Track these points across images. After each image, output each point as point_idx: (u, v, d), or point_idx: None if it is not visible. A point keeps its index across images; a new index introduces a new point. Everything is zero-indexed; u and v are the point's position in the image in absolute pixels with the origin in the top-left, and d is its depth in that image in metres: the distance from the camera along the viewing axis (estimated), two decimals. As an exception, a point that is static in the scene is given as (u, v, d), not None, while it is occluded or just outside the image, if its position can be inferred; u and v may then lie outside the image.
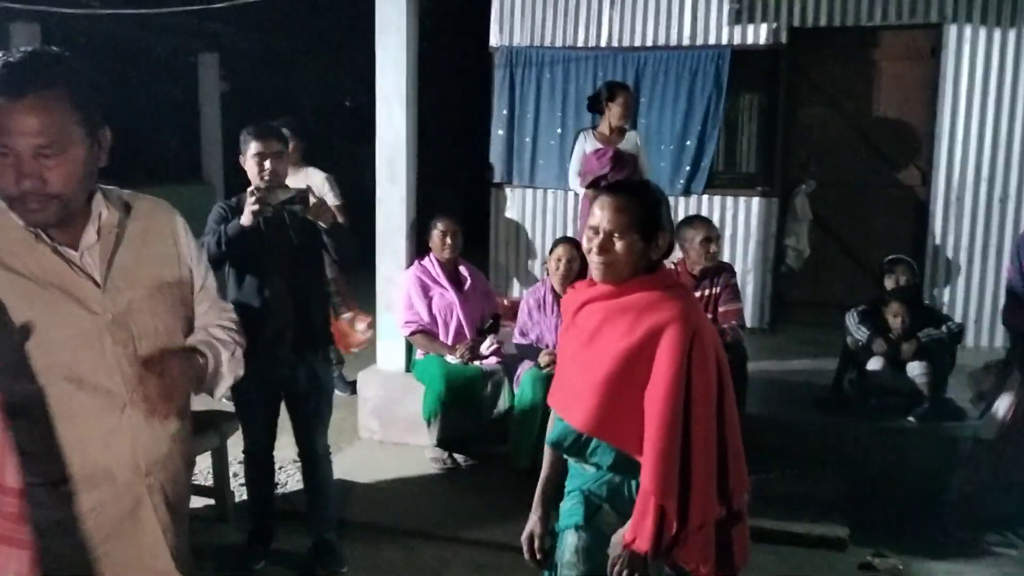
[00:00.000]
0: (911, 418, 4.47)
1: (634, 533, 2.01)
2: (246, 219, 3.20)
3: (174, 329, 1.82)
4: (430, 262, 4.90)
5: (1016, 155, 5.90)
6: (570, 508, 2.21)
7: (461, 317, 4.80)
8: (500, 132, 6.76)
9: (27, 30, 8.13)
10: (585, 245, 2.12)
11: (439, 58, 7.57)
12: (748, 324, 6.11)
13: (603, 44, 6.57)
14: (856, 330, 4.67)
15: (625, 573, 2.01)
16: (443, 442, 4.72)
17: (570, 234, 6.07)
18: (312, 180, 5.00)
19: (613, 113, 5.13)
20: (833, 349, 4.99)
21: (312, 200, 3.30)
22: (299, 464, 3.90)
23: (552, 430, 2.25)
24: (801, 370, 5.43)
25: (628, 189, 2.16)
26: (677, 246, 4.64)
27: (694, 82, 6.35)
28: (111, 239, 1.72)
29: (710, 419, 2.04)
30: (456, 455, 4.78)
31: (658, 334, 2.01)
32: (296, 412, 3.64)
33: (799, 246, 6.42)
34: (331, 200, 5.00)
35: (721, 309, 4.54)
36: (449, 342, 4.79)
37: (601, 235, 2.08)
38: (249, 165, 3.42)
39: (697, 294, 4.55)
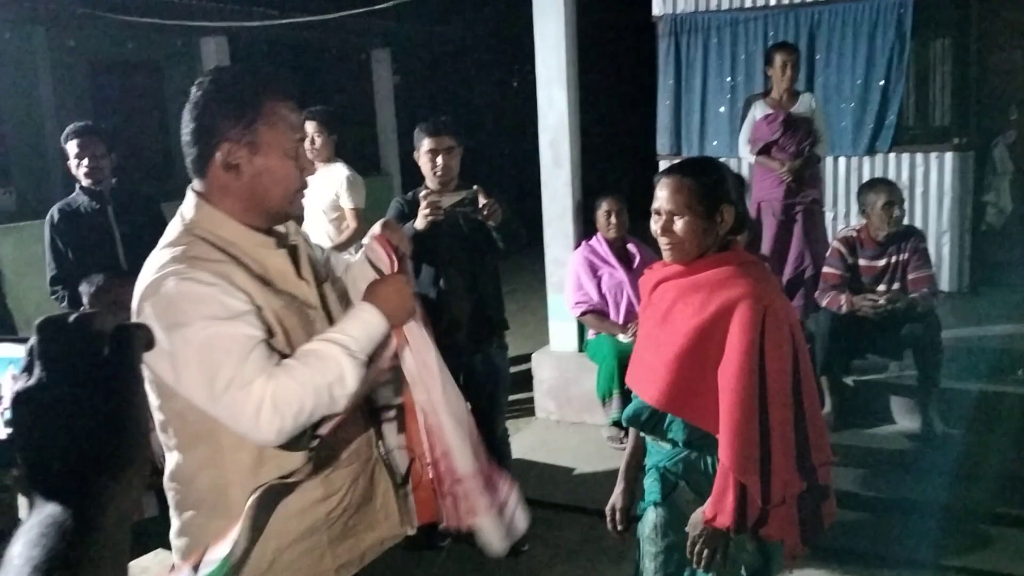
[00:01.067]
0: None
1: (715, 510, 2.01)
2: (420, 223, 3.26)
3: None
4: (597, 241, 4.91)
5: None
6: (649, 485, 2.25)
7: (631, 295, 4.78)
8: (667, 103, 6.61)
9: (216, 44, 8.79)
10: (652, 227, 2.13)
11: (601, 33, 7.50)
12: (946, 288, 5.71)
13: (772, 2, 6.27)
14: None
15: (707, 551, 2.02)
16: (619, 420, 4.73)
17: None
18: (335, 177, 4.56)
19: (775, 77, 4.92)
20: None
21: (482, 201, 3.29)
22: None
23: (629, 406, 2.28)
24: (1003, 335, 5.00)
25: (685, 168, 2.14)
26: (858, 211, 4.41)
27: (874, 33, 5.93)
28: (303, 245, 1.86)
29: (786, 395, 2.02)
30: (632, 433, 4.78)
31: (730, 311, 2.01)
32: (473, 399, 3.76)
33: (1000, 202, 5.92)
34: (346, 203, 4.55)
35: (911, 276, 4.26)
36: (620, 321, 4.78)
37: (663, 216, 2.09)
38: (423, 161, 3.53)
39: (882, 262, 4.30)
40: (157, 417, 1.68)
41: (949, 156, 5.96)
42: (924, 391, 4.22)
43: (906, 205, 5.05)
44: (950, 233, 5.99)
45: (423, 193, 3.38)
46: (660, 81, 6.62)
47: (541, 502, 4.19)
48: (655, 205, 2.13)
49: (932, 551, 3.56)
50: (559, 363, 5.27)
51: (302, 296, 1.74)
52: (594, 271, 4.85)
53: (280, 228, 1.78)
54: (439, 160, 3.49)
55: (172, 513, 1.77)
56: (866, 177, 5.96)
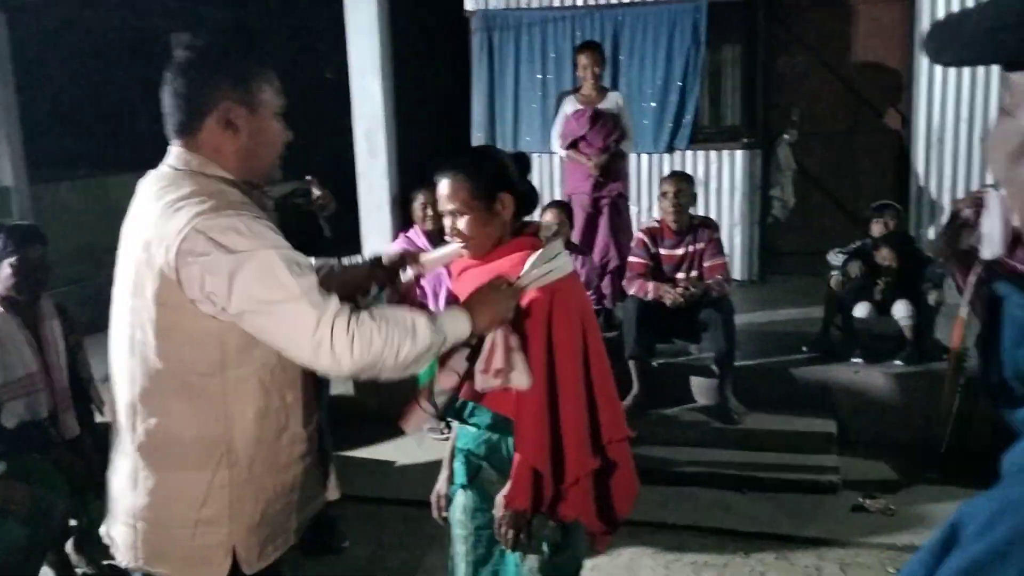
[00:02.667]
0: (898, 361, 4.53)
1: (513, 493, 2.09)
2: None
3: None
4: (415, 233, 4.90)
5: (994, 94, 5.89)
6: (456, 468, 2.31)
7: (450, 287, 4.82)
8: (481, 97, 6.71)
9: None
10: (445, 230, 2.17)
11: (417, 24, 7.49)
12: (738, 277, 6.16)
13: (579, 3, 6.51)
14: (840, 263, 4.72)
15: (511, 532, 2.10)
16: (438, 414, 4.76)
17: (557, 196, 6.07)
18: None
19: (580, 74, 5.16)
20: (822, 297, 5.02)
21: (316, 192, 3.27)
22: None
23: None
24: (790, 319, 5.48)
25: (456, 166, 2.14)
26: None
27: (672, 37, 6.30)
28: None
29: (576, 375, 2.10)
30: (454, 423, 4.82)
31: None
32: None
33: (784, 196, 6.44)
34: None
35: (706, 264, 4.57)
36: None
37: (448, 218, 2.13)
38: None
39: (681, 251, 4.58)
40: (144, 375, 1.68)
41: (739, 154, 6.44)
42: (720, 371, 4.54)
43: (701, 199, 5.42)
44: (741, 225, 6.47)
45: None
46: (474, 76, 6.71)
47: (362, 497, 4.16)
48: (439, 207, 2.15)
49: (733, 518, 3.86)
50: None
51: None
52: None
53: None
54: None
55: (133, 480, 1.74)
56: (667, 173, 6.34)
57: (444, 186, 2.11)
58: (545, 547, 2.16)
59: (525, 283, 2.00)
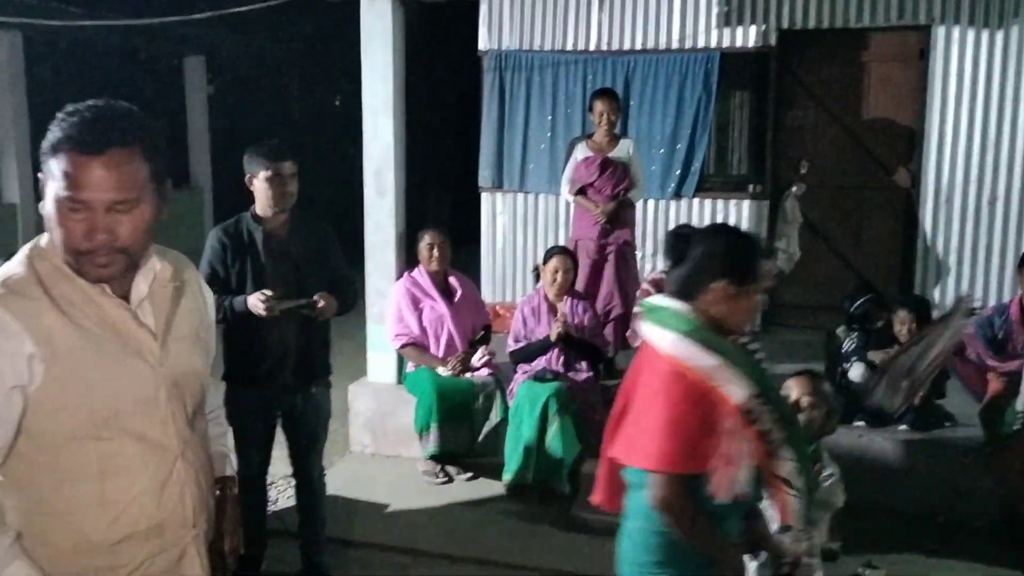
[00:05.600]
0: (903, 426, 4.48)
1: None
2: (254, 310, 3.23)
3: (207, 379, 1.87)
4: (419, 273, 4.89)
5: (1004, 157, 5.90)
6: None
7: (452, 329, 4.79)
8: (490, 136, 6.73)
9: (9, 39, 8.06)
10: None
11: (427, 63, 7.53)
12: (739, 327, 6.11)
13: (592, 48, 6.54)
14: (847, 339, 4.67)
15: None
16: (436, 455, 4.71)
17: (561, 240, 6.06)
18: None
19: (595, 121, 5.15)
20: (823, 353, 4.98)
21: (320, 304, 3.32)
22: (291, 480, 3.88)
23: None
24: (793, 372, 5.41)
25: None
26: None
27: (683, 85, 6.32)
28: (166, 293, 1.74)
29: None
30: (449, 468, 4.78)
31: None
32: (293, 437, 3.62)
33: (789, 248, 6.40)
34: None
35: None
36: (440, 354, 4.78)
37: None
38: (263, 187, 3.34)
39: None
40: None
41: (746, 203, 6.43)
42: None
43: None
44: (746, 275, 6.43)
45: (262, 298, 3.21)
46: (484, 115, 6.73)
47: (354, 542, 4.10)
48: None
49: None
50: (376, 395, 5.19)
51: (136, 345, 1.66)
52: (416, 303, 4.83)
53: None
54: (285, 187, 3.35)
55: None
56: (672, 220, 6.33)
57: None
58: None
59: None
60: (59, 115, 1.55)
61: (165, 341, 1.69)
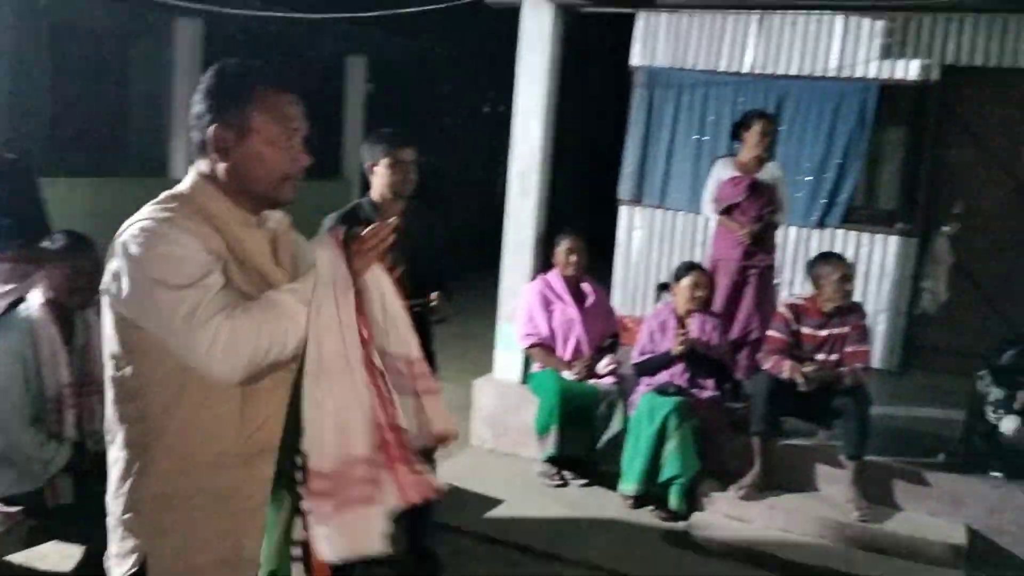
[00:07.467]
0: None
1: None
2: None
3: None
4: (554, 276, 4.97)
5: None
6: None
7: (580, 333, 4.85)
8: (634, 150, 6.76)
9: (191, 26, 8.67)
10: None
11: (579, 73, 7.64)
12: (877, 365, 5.91)
13: (745, 70, 6.48)
14: (991, 395, 4.45)
15: None
16: (554, 457, 4.77)
17: (697, 258, 6.02)
18: None
19: (749, 142, 5.05)
20: (964, 398, 4.76)
21: (435, 304, 3.40)
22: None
23: None
24: (929, 419, 5.20)
25: None
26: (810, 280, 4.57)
27: (837, 114, 6.17)
28: (287, 234, 1.93)
29: None
30: (565, 472, 4.83)
31: None
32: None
33: (936, 289, 6.16)
34: None
35: (848, 349, 4.43)
36: (567, 358, 4.84)
37: None
38: (385, 172, 3.41)
39: (825, 332, 4.46)
40: (115, 371, 1.72)
41: (894, 240, 6.22)
42: (849, 463, 4.36)
43: (852, 281, 5.24)
44: (887, 313, 6.22)
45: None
46: (630, 128, 6.77)
47: (464, 530, 4.20)
48: None
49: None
50: (500, 392, 5.29)
51: (274, 279, 1.80)
52: (547, 305, 4.91)
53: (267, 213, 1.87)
54: (407, 173, 3.44)
55: (120, 487, 1.74)
56: (814, 248, 6.18)
57: None
58: None
59: None
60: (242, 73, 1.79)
61: (291, 277, 1.85)
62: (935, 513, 4.34)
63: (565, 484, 4.79)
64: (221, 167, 1.76)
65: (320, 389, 1.72)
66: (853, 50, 6.19)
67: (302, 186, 1.86)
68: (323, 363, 1.73)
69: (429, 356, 3.64)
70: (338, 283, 1.76)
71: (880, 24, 6.05)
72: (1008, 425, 4.32)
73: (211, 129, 1.74)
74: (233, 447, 1.74)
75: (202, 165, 1.79)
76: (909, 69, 6.06)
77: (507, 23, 5.23)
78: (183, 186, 1.79)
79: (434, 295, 3.39)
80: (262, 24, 7.77)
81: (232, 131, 1.74)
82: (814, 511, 4.36)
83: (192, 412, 1.70)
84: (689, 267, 4.87)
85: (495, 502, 4.57)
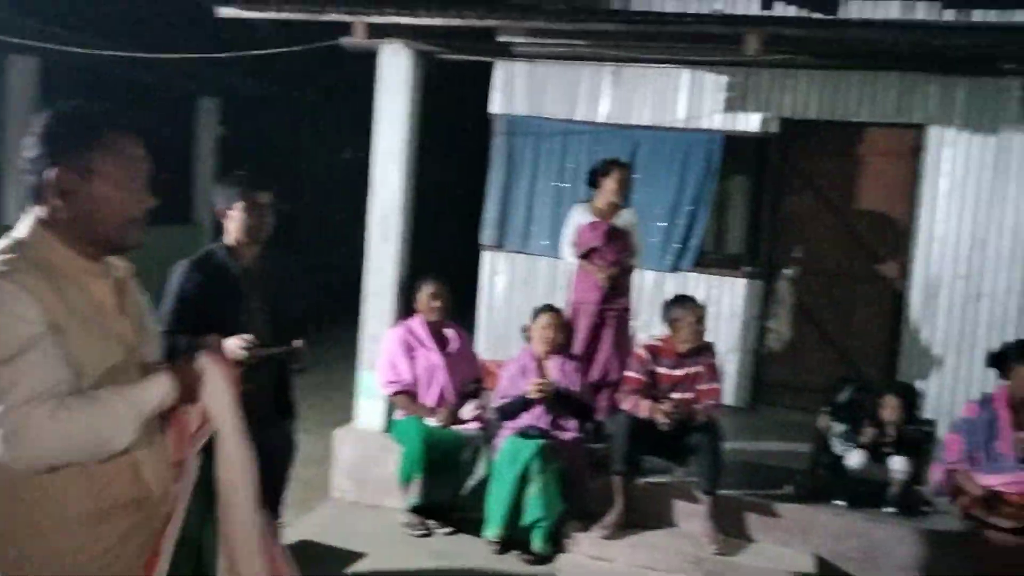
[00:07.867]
0: (890, 508, 4.50)
1: None
2: (233, 357, 2.96)
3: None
4: (416, 322, 4.93)
5: (992, 254, 6.05)
6: None
7: (444, 379, 4.82)
8: (496, 196, 6.86)
9: (25, 64, 8.20)
10: None
11: (443, 119, 7.70)
12: (728, 402, 6.16)
13: (600, 119, 6.72)
14: (834, 429, 4.72)
15: None
16: (419, 506, 4.68)
17: (558, 302, 6.12)
18: None
19: (606, 188, 5.21)
20: (809, 432, 5.02)
21: (299, 350, 3.34)
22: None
23: None
24: (777, 452, 5.46)
25: None
26: (664, 323, 4.72)
27: (686, 163, 6.49)
28: (129, 280, 1.88)
29: None
30: (429, 521, 4.74)
31: None
32: (265, 472, 3.60)
33: (780, 329, 6.51)
34: None
35: (701, 387, 4.60)
36: (431, 404, 4.79)
37: None
38: (240, 217, 3.30)
39: (680, 372, 4.61)
40: None
41: (741, 282, 6.55)
42: (703, 497, 4.50)
43: (702, 322, 5.47)
44: (736, 353, 6.52)
45: (243, 345, 3.00)
46: (491, 175, 6.87)
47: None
48: None
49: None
50: (362, 441, 5.17)
51: (119, 330, 1.75)
52: (410, 351, 4.86)
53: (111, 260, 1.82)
54: (263, 217, 3.34)
55: None
56: (669, 291, 6.39)
57: None
58: None
59: None
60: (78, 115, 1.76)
61: (139, 326, 1.82)
62: (786, 543, 4.53)
63: (429, 533, 4.71)
64: (62, 212, 1.70)
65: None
66: (699, 102, 6.54)
67: (150, 232, 1.80)
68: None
69: (289, 406, 3.56)
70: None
71: (723, 78, 6.43)
72: (854, 459, 4.57)
73: (51, 172, 1.68)
74: (78, 507, 1.67)
75: (40, 211, 1.72)
76: (750, 121, 6.45)
77: (366, 66, 5.22)
78: (21, 233, 1.71)
79: (296, 342, 3.30)
80: (106, 63, 7.44)
81: (74, 174, 1.69)
82: (674, 547, 4.46)
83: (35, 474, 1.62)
84: (543, 309, 4.96)
85: (357, 555, 4.44)
